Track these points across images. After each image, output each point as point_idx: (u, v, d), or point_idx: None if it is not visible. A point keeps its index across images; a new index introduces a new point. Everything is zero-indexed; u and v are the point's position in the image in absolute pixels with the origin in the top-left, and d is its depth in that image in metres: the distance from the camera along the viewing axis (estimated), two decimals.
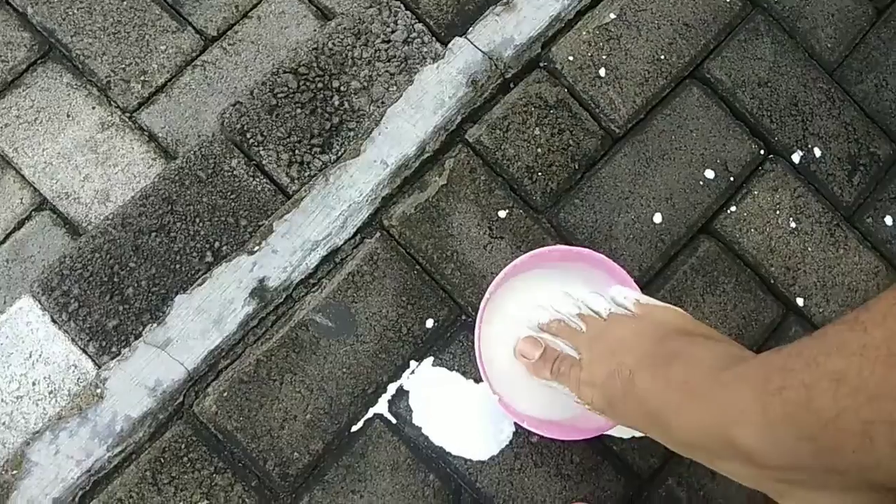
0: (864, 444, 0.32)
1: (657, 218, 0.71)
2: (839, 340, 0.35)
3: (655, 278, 0.70)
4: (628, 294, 0.59)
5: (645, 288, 0.69)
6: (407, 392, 0.64)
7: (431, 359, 0.65)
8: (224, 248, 0.67)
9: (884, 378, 0.31)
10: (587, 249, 0.64)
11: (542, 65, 0.72)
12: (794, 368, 0.37)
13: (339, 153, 0.70)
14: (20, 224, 0.75)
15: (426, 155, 0.68)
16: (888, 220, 0.76)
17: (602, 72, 0.72)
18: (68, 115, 0.76)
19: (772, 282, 0.71)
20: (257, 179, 0.69)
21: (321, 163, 0.70)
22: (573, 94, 0.72)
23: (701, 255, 0.70)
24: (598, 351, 0.54)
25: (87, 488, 0.59)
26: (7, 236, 0.74)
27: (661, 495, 0.64)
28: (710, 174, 0.72)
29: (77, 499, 0.59)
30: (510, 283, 0.63)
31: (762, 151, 0.74)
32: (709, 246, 0.71)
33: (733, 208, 0.72)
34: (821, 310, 0.71)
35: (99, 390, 0.61)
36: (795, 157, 0.75)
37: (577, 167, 0.71)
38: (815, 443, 0.35)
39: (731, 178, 0.73)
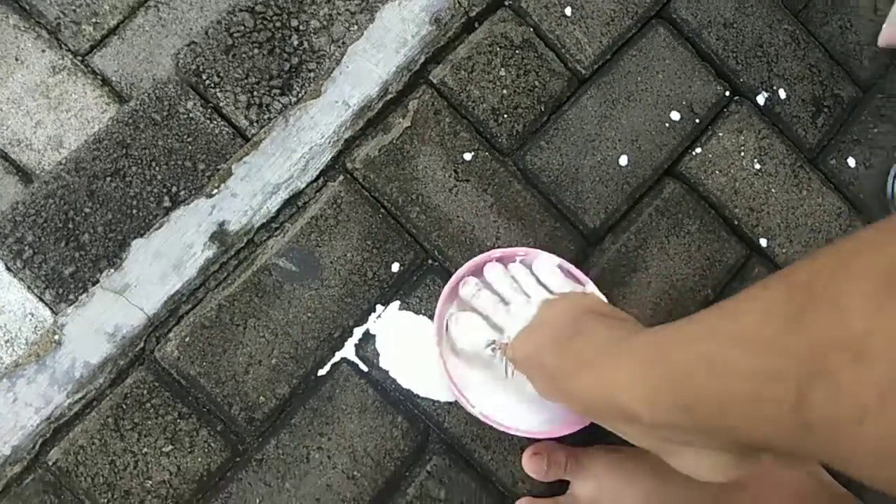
0: (723, 417, 0.37)
1: (623, 160, 0.70)
2: (711, 326, 0.39)
3: (621, 220, 0.70)
4: (551, 274, 0.62)
5: (611, 231, 0.70)
6: (373, 336, 0.64)
7: (398, 303, 0.65)
8: (182, 192, 0.66)
9: (745, 363, 0.34)
10: (544, 252, 0.65)
11: (507, 3, 0.71)
12: (672, 348, 0.41)
13: (300, 95, 0.68)
14: None
15: (389, 96, 0.67)
16: (851, 162, 0.76)
17: (568, 11, 0.71)
18: (17, 59, 0.73)
19: (735, 223, 0.71)
20: (214, 122, 0.67)
21: (280, 105, 0.68)
22: (539, 33, 0.71)
23: (666, 197, 0.70)
24: (522, 329, 0.57)
25: (48, 436, 0.58)
26: None
27: None
28: (675, 116, 0.72)
29: (37, 446, 0.58)
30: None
31: (727, 93, 0.74)
32: (674, 188, 0.71)
33: (698, 150, 0.72)
34: (784, 250, 0.72)
35: (56, 337, 0.59)
36: (760, 99, 0.75)
37: (543, 109, 0.70)
38: (690, 412, 0.39)
39: (697, 120, 0.73)
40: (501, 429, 0.59)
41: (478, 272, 0.63)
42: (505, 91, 0.69)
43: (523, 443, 0.63)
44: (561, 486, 0.63)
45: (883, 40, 0.72)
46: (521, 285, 0.61)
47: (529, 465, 0.61)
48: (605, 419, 0.49)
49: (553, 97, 0.70)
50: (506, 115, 0.69)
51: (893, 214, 0.73)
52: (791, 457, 0.38)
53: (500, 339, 0.58)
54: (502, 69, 0.69)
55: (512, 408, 0.61)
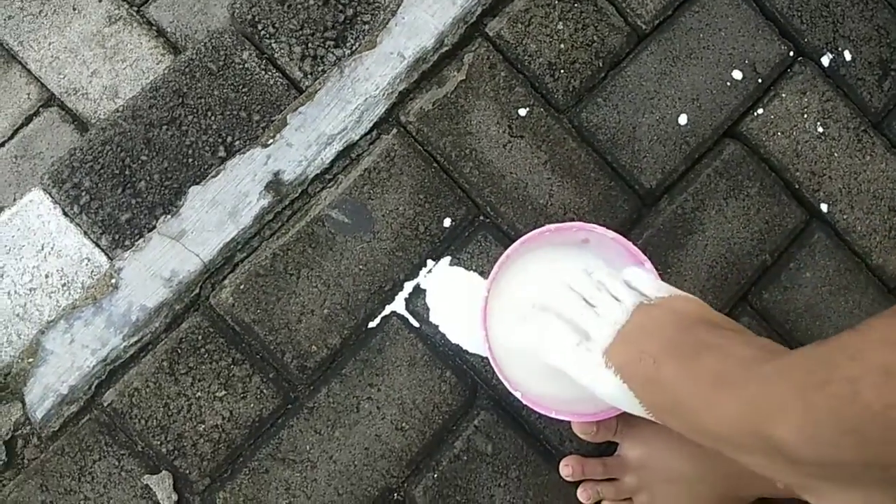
0: None
1: (682, 119, 0.68)
2: (884, 334, 0.35)
3: (678, 181, 0.68)
4: (645, 278, 0.55)
5: (667, 192, 0.68)
6: (424, 291, 0.64)
7: (448, 258, 0.64)
8: (237, 142, 0.66)
9: None
10: (599, 226, 0.59)
11: None
12: (839, 362, 0.36)
13: (354, 47, 0.67)
14: (28, 120, 0.73)
15: (445, 48, 0.66)
16: None
17: None
18: (74, 8, 0.74)
19: (796, 187, 0.69)
20: (269, 73, 0.67)
21: (335, 57, 0.67)
22: None
23: (725, 159, 0.69)
24: (617, 334, 0.51)
25: (104, 377, 0.59)
26: (15, 132, 0.72)
27: None
28: (737, 75, 0.70)
29: (93, 387, 0.59)
30: (515, 264, 0.60)
31: (791, 53, 0.72)
32: (734, 149, 0.69)
33: (760, 111, 0.70)
34: (845, 216, 0.70)
35: (113, 280, 0.60)
36: (825, 60, 0.72)
37: (601, 65, 0.68)
38: (859, 436, 0.35)
39: (759, 80, 0.70)
40: (545, 413, 0.57)
41: (530, 245, 0.60)
42: (562, 46, 0.67)
43: None
44: (609, 448, 0.62)
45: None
46: (609, 288, 0.55)
47: (580, 426, 0.60)
48: (740, 451, 0.43)
49: (612, 53, 0.68)
50: (562, 71, 0.67)
51: None
52: None
53: (586, 342, 0.52)
54: (560, 23, 0.67)
55: (558, 391, 0.60)
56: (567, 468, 0.61)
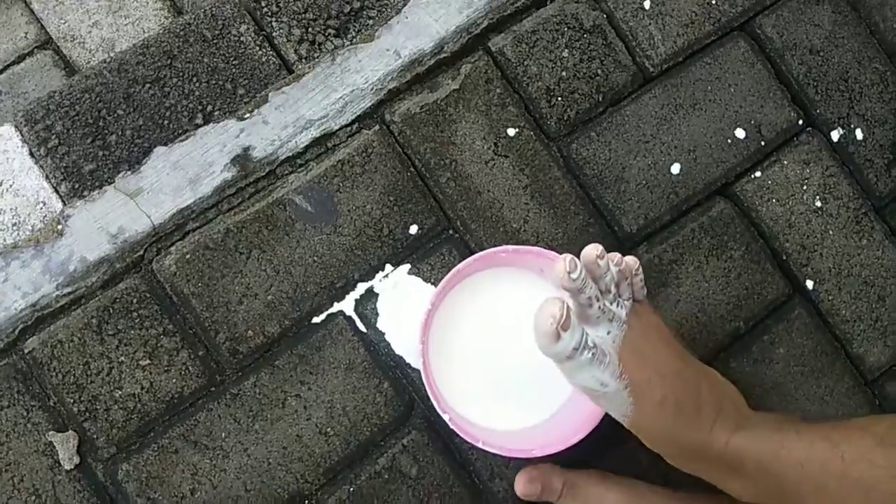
0: None
1: (675, 168, 0.66)
2: (822, 458, 0.45)
3: (660, 230, 0.65)
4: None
5: (647, 239, 0.65)
6: (376, 295, 0.61)
7: (408, 266, 0.62)
8: (216, 112, 0.64)
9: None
10: (545, 249, 0.57)
11: None
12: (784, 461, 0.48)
13: (353, 39, 0.66)
14: (21, 58, 0.72)
15: (443, 55, 0.64)
16: None
17: (647, 4, 0.67)
18: None
19: (784, 258, 0.66)
20: (263, 50, 0.66)
21: (333, 46, 0.66)
22: (612, 21, 0.67)
23: (714, 216, 0.66)
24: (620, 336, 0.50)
25: (30, 323, 0.57)
26: (5, 68, 0.72)
27: None
28: (740, 134, 0.68)
29: (17, 331, 0.57)
30: (470, 280, 0.58)
31: (800, 122, 0.69)
32: (724, 208, 0.66)
33: (758, 174, 0.67)
34: (830, 297, 0.66)
35: (60, 227, 0.58)
36: (834, 135, 0.69)
37: (601, 99, 0.66)
38: None
39: (763, 143, 0.68)
40: (472, 441, 0.53)
41: (480, 267, 0.58)
42: (564, 73, 0.65)
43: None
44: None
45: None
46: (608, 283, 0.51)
47: (523, 488, 0.57)
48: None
49: (614, 89, 0.66)
50: (560, 98, 0.65)
51: None
52: None
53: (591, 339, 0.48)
54: (566, 50, 0.66)
55: (498, 416, 0.57)
56: None
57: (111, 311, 0.57)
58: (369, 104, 0.63)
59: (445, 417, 0.53)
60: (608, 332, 0.49)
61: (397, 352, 0.60)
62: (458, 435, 0.53)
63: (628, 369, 0.48)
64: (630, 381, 0.47)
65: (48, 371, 0.56)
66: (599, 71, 0.66)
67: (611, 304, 0.50)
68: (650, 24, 0.67)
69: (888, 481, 0.40)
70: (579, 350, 0.45)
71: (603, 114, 0.66)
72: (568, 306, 0.44)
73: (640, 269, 0.53)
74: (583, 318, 0.48)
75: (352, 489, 0.58)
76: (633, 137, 0.66)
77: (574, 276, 0.46)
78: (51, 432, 0.56)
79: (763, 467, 0.47)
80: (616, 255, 0.51)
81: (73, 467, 0.56)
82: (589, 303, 0.47)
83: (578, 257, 0.47)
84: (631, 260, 0.52)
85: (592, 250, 0.48)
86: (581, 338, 0.45)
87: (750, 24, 0.70)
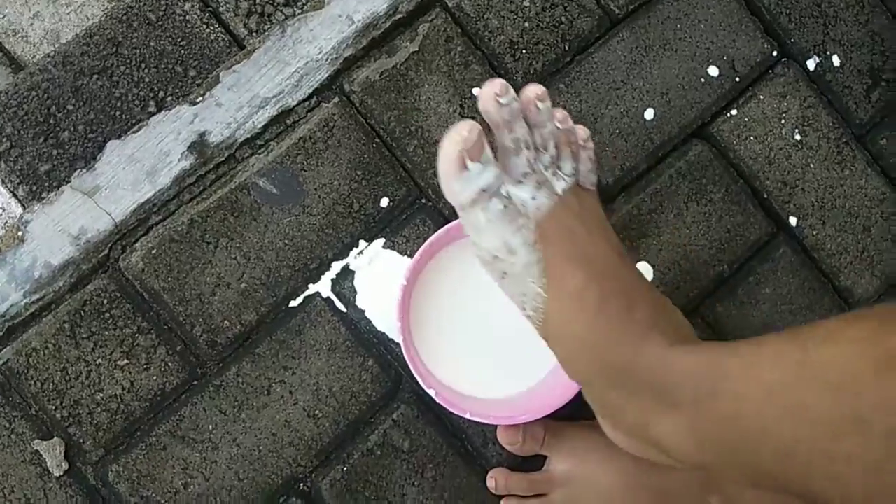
0: (783, 467, 0.31)
1: (649, 114, 0.64)
2: (777, 350, 0.33)
3: (638, 179, 0.64)
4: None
5: (625, 190, 0.64)
6: (353, 272, 0.60)
7: (382, 240, 0.60)
8: (169, 97, 0.62)
9: (823, 408, 0.29)
10: None
11: None
12: (728, 380, 0.34)
13: (304, 7, 0.63)
14: None
15: (398, 16, 0.61)
16: None
17: None
18: None
19: (765, 196, 0.65)
20: (211, 28, 0.63)
21: (283, 16, 0.63)
22: None
23: (691, 160, 0.64)
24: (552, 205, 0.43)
25: (1, 334, 0.56)
26: None
27: None
28: (713, 71, 0.65)
29: None
30: (446, 252, 0.56)
31: (775, 53, 0.67)
32: (701, 150, 0.64)
33: (734, 112, 0.65)
34: (815, 232, 0.65)
35: (20, 233, 0.56)
36: (811, 64, 0.67)
37: (567, 48, 0.64)
38: (739, 457, 0.34)
39: (737, 79, 0.66)
40: (459, 413, 0.52)
41: (452, 238, 0.56)
42: (527, 24, 0.63)
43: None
44: (535, 461, 0.58)
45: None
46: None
47: (505, 436, 0.57)
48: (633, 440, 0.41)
49: (580, 37, 0.64)
50: (524, 51, 0.63)
51: None
52: None
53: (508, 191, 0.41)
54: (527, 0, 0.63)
55: (480, 385, 0.56)
56: (491, 481, 0.58)
57: (82, 314, 0.56)
58: (326, 75, 0.60)
59: (431, 393, 0.52)
60: (533, 197, 0.40)
61: (379, 328, 0.60)
62: (445, 408, 0.53)
63: (547, 242, 0.39)
64: (546, 257, 0.39)
65: (26, 380, 0.55)
66: (563, 18, 0.64)
67: (545, 168, 0.42)
68: None
69: (854, 357, 0.29)
70: (490, 194, 0.38)
71: (570, 63, 0.64)
72: (482, 130, 0.37)
73: (591, 145, 0.45)
74: (506, 167, 0.40)
75: (345, 468, 0.57)
76: (603, 86, 0.63)
77: (503, 101, 0.38)
78: (36, 441, 0.55)
79: (701, 386, 0.35)
80: (560, 112, 0.43)
81: (62, 473, 0.55)
82: (516, 147, 0.40)
83: None
84: (582, 129, 0.45)
85: (534, 88, 0.41)
86: (494, 181, 0.38)
87: None
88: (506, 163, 0.40)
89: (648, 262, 0.62)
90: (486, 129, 0.41)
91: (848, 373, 0.29)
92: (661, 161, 0.64)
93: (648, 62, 0.64)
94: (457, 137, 0.37)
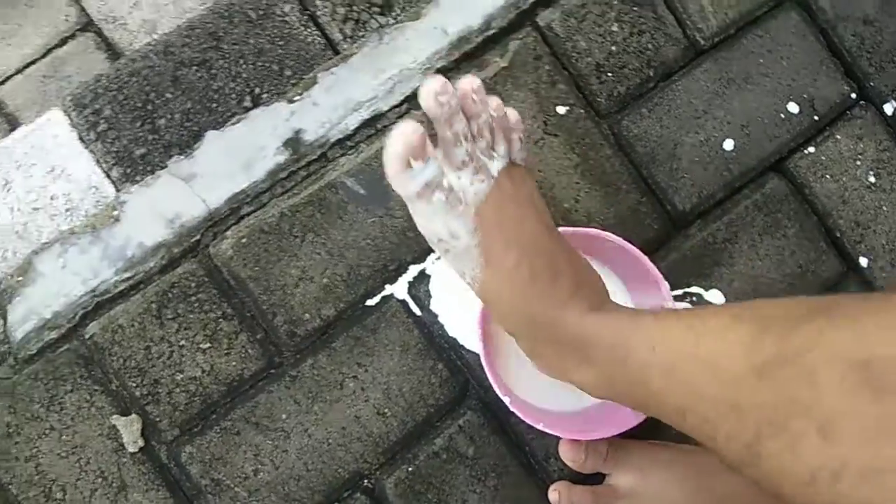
0: (681, 424, 0.39)
1: (728, 144, 0.65)
2: (673, 336, 0.40)
3: (714, 208, 0.65)
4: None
5: (701, 217, 0.65)
6: (429, 277, 0.61)
7: None
8: (264, 95, 0.64)
9: (703, 385, 0.37)
10: (609, 234, 0.56)
11: None
12: (634, 348, 0.42)
13: (399, 17, 0.65)
14: (63, 41, 0.72)
15: (491, 31, 0.63)
16: None
17: None
18: None
19: (837, 235, 0.65)
20: (309, 30, 0.65)
21: (378, 24, 0.65)
22: None
23: (767, 193, 0.65)
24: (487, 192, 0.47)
25: (89, 308, 0.57)
26: (48, 52, 0.71)
27: None
28: (793, 108, 0.66)
29: (77, 317, 0.57)
30: None
31: (853, 95, 0.68)
32: (777, 184, 0.65)
33: (811, 149, 0.66)
34: (884, 274, 0.66)
35: (116, 212, 0.58)
36: (888, 108, 0.68)
37: (651, 74, 0.65)
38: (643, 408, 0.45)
39: (816, 118, 0.67)
40: (532, 423, 0.53)
41: None
42: (614, 48, 0.64)
43: None
44: (595, 478, 0.59)
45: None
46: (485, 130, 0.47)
47: (567, 452, 0.57)
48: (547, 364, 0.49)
49: (664, 64, 0.65)
50: (610, 74, 0.64)
51: (880, 293, 0.63)
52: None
53: (448, 182, 0.44)
54: (615, 24, 0.64)
55: (554, 397, 0.57)
56: (554, 493, 0.58)
57: (170, 295, 0.58)
58: (418, 84, 0.62)
59: (506, 401, 0.53)
60: (471, 183, 0.44)
61: (451, 333, 0.61)
62: (517, 418, 0.53)
63: (485, 227, 0.44)
64: (484, 240, 0.44)
65: (109, 356, 0.57)
66: (650, 45, 0.65)
67: (482, 153, 0.45)
68: None
69: (737, 357, 0.34)
70: (432, 187, 0.42)
71: (654, 89, 0.65)
72: (424, 132, 0.41)
73: (521, 126, 0.48)
74: (447, 157, 0.44)
75: (410, 469, 0.58)
76: (684, 113, 0.65)
77: (443, 99, 0.41)
78: (114, 416, 0.57)
79: (612, 349, 0.42)
80: (494, 100, 0.46)
81: (137, 450, 0.57)
82: (456, 139, 0.43)
83: (632, 243, 0.47)
84: (512, 112, 0.48)
85: (469, 82, 0.43)
86: (436, 174, 0.42)
87: None
88: (446, 152, 0.44)
89: (720, 290, 0.63)
90: (427, 121, 0.44)
91: (731, 370, 0.34)
92: (737, 192, 0.65)
93: (730, 94, 0.66)
94: (402, 139, 0.41)
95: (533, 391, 0.57)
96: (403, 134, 0.41)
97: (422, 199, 0.43)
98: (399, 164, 0.42)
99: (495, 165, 0.46)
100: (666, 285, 0.55)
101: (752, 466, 0.34)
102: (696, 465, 0.56)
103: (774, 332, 0.33)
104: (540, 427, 0.53)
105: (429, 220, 0.45)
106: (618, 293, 0.58)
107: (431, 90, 0.42)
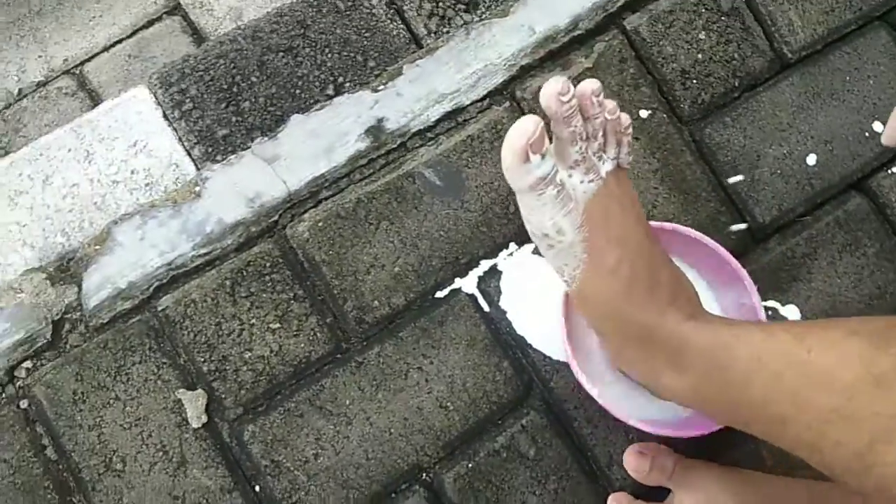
0: (778, 439, 0.39)
1: (811, 159, 0.64)
2: (784, 349, 0.39)
3: (794, 223, 0.63)
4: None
5: (780, 231, 0.63)
6: (500, 273, 0.60)
7: (533, 246, 0.61)
8: (347, 84, 0.64)
9: (812, 396, 0.36)
10: (697, 233, 0.56)
11: None
12: (740, 356, 0.42)
13: (483, 15, 0.65)
14: (150, 23, 0.73)
15: (577, 32, 0.63)
16: None
17: None
18: None
19: None
20: (394, 23, 0.65)
21: (462, 21, 0.66)
22: (750, 4, 0.65)
23: (849, 211, 0.63)
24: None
25: (164, 281, 0.58)
26: (134, 32, 0.73)
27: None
28: (878, 127, 0.65)
29: (151, 288, 0.58)
30: None
31: None
32: (859, 203, 0.64)
33: (895, 169, 0.64)
34: None
35: (197, 188, 0.59)
36: None
37: (736, 84, 0.64)
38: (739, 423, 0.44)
39: None
40: (623, 419, 0.52)
41: None
42: (700, 56, 0.64)
43: (630, 430, 0.58)
44: (659, 492, 0.57)
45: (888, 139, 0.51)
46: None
47: (632, 463, 0.56)
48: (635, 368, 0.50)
49: (750, 74, 0.64)
50: (695, 81, 0.63)
51: None
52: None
53: (561, 179, 0.45)
54: (703, 32, 0.64)
55: (635, 398, 0.56)
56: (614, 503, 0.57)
57: (244, 273, 0.58)
58: (501, 80, 0.62)
59: (594, 393, 0.52)
60: (581, 182, 0.45)
61: (518, 331, 0.60)
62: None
63: (591, 225, 0.45)
64: (589, 237, 0.45)
65: (180, 329, 0.57)
66: (736, 55, 0.64)
67: (594, 154, 0.46)
68: (790, 9, 0.65)
69: (854, 368, 0.34)
70: (546, 182, 0.43)
71: (738, 99, 0.64)
72: (543, 128, 0.41)
73: (631, 131, 0.49)
74: (560, 156, 0.45)
75: (470, 465, 0.57)
76: (768, 125, 0.64)
77: (565, 98, 0.42)
78: (180, 390, 0.57)
79: (712, 357, 0.43)
80: (611, 103, 0.47)
81: (200, 426, 0.56)
82: (572, 138, 0.44)
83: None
84: (625, 116, 0.48)
85: (590, 84, 0.45)
86: (551, 170, 0.43)
87: (891, 14, 0.67)
88: (561, 150, 0.45)
89: (797, 306, 0.61)
90: (545, 120, 0.44)
91: (846, 380, 0.34)
92: (818, 207, 0.64)
93: (815, 109, 0.65)
94: (522, 131, 0.42)
95: (611, 395, 0.56)
96: (525, 127, 0.42)
97: (534, 192, 0.44)
98: (518, 157, 0.42)
99: (605, 167, 0.47)
100: (751, 284, 0.53)
101: (861, 475, 0.33)
102: (764, 495, 0.54)
103: (895, 345, 0.34)
104: (631, 422, 0.52)
105: (537, 214, 0.45)
106: (701, 293, 0.56)
107: (554, 91, 0.42)
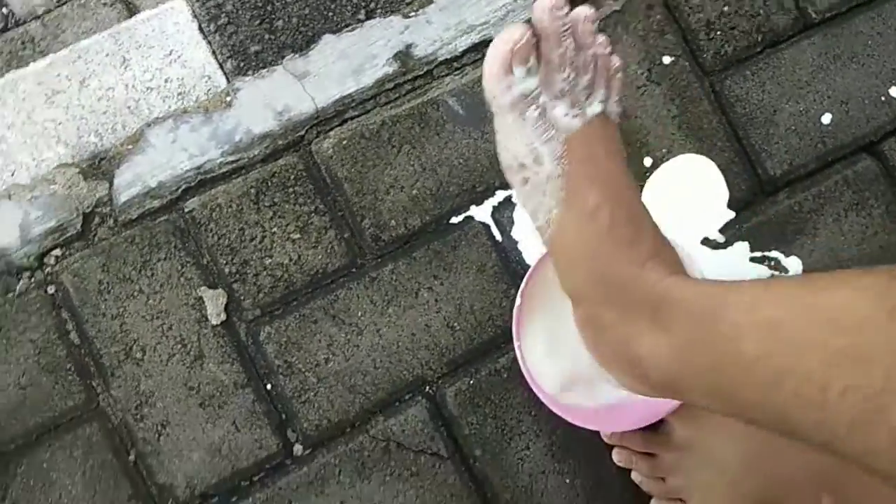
0: (770, 397, 0.33)
1: (826, 118, 0.65)
2: (785, 292, 0.35)
3: (804, 178, 0.65)
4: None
5: (789, 185, 0.65)
6: (514, 204, 0.63)
7: None
8: (378, 9, 0.66)
9: (817, 338, 0.32)
10: None
11: None
12: (726, 310, 0.36)
13: None
14: None
15: None
16: None
17: None
18: None
19: None
20: None
21: None
22: None
23: (858, 171, 0.65)
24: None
25: (192, 184, 0.60)
26: None
27: None
28: (894, 92, 0.66)
29: (180, 190, 0.60)
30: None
31: None
32: (869, 164, 0.65)
33: None
34: None
35: (229, 98, 0.61)
36: None
37: (759, 39, 0.65)
38: (724, 389, 0.37)
39: None
40: (581, 423, 0.55)
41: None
42: (726, 8, 0.65)
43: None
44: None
45: None
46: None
47: (620, 457, 0.59)
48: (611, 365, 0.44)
49: (774, 31, 0.65)
50: (719, 33, 0.65)
51: None
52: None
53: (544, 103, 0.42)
54: None
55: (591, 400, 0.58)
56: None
57: (269, 183, 0.60)
58: (530, 15, 0.63)
59: (541, 395, 0.55)
60: (565, 115, 0.41)
61: (528, 261, 0.62)
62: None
63: (571, 160, 0.41)
64: (568, 174, 0.41)
65: (205, 231, 0.60)
66: (762, 11, 0.65)
67: (582, 90, 0.42)
68: None
69: (867, 303, 0.30)
70: (528, 101, 0.40)
71: (760, 54, 0.65)
72: (531, 39, 0.38)
73: (621, 76, 0.45)
74: (547, 82, 0.41)
75: (471, 381, 0.60)
76: (787, 81, 0.65)
77: (559, 13, 0.39)
78: (202, 288, 0.59)
79: (699, 309, 0.37)
80: (602, 37, 0.43)
81: (219, 323, 0.59)
82: (561, 62, 0.40)
83: None
84: (616, 58, 0.44)
85: (584, 10, 0.41)
86: (535, 89, 0.40)
87: None
88: (548, 76, 0.41)
89: (801, 258, 0.63)
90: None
91: (858, 315, 0.30)
92: (829, 166, 0.65)
93: (834, 70, 0.66)
94: (507, 38, 0.39)
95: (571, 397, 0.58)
96: (510, 35, 0.39)
97: (514, 111, 0.41)
98: (500, 65, 0.39)
99: (592, 109, 0.43)
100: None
101: (872, 425, 0.29)
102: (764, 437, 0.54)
103: None
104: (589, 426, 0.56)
105: (515, 139, 0.42)
106: None
107: (548, 3, 0.40)
